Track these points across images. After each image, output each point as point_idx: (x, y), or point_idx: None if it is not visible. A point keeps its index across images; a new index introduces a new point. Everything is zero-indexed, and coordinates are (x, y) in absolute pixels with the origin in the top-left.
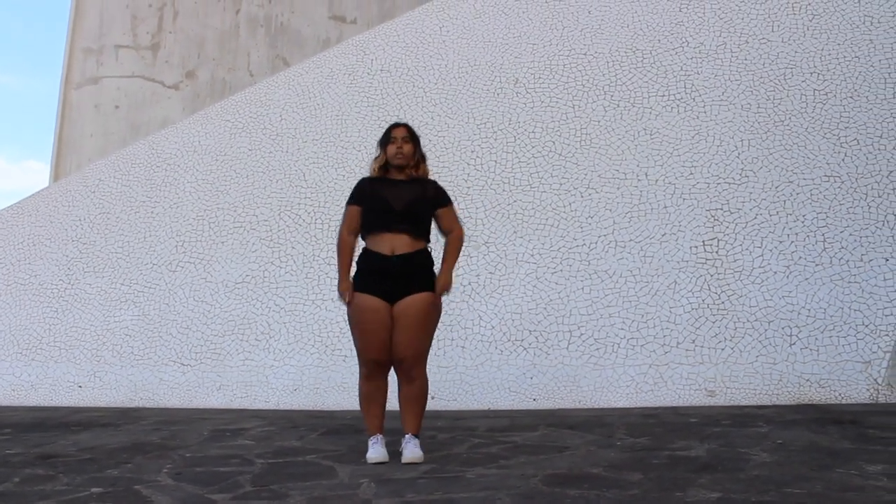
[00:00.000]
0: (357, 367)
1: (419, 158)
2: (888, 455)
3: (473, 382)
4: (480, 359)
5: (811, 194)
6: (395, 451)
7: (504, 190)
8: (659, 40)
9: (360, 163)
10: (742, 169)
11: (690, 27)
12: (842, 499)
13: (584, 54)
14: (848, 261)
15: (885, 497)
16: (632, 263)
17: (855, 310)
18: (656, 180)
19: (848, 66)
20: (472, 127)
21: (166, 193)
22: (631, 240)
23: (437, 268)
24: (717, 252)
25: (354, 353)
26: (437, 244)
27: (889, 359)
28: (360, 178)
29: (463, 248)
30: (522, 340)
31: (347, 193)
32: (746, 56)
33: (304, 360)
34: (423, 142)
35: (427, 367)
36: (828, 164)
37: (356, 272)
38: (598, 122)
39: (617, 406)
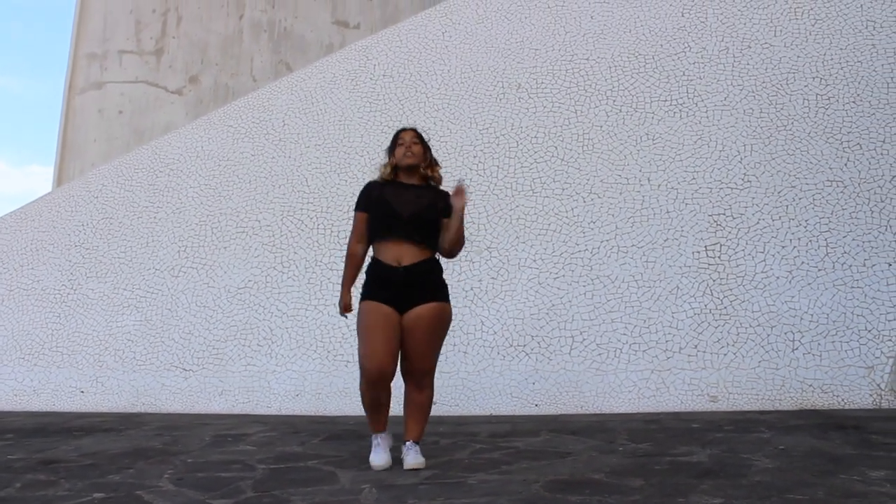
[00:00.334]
0: (354, 371)
1: (431, 161)
2: (891, 461)
3: (475, 388)
4: (482, 364)
5: (814, 199)
6: (396, 456)
7: (506, 195)
8: (661, 45)
9: (363, 168)
10: (744, 174)
11: (693, 32)
12: None
13: (587, 59)
14: (851, 266)
15: (888, 503)
16: (634, 269)
17: (858, 315)
18: (658, 185)
19: (850, 70)
20: (475, 132)
21: (169, 198)
22: (633, 245)
23: (446, 276)
24: (719, 257)
25: (356, 358)
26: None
27: (892, 364)
28: (367, 182)
29: (464, 253)
30: (524, 346)
31: (350, 199)
32: (749, 61)
33: (306, 365)
34: None
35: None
36: (830, 168)
37: (365, 280)
38: (601, 126)
39: (619, 411)
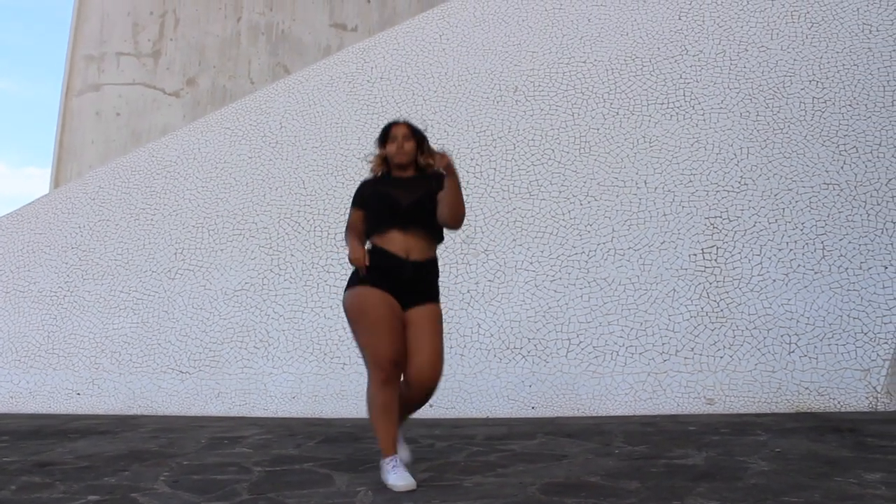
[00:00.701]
0: (351, 374)
1: (426, 151)
2: (887, 463)
3: (472, 390)
4: (479, 367)
5: (810, 202)
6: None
7: (503, 198)
8: (658, 48)
9: (360, 170)
10: (741, 177)
11: (689, 35)
12: None
13: (584, 62)
14: (847, 269)
15: None
16: (631, 271)
17: (854, 318)
18: (655, 188)
19: (847, 73)
20: (472, 135)
21: (166, 201)
22: (630, 248)
23: (441, 277)
24: (715, 260)
25: (353, 360)
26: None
27: (888, 367)
28: (360, 182)
29: (461, 255)
30: (521, 348)
31: (347, 201)
32: (745, 64)
33: (303, 367)
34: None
35: None
36: (827, 171)
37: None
38: (598, 129)
39: (615, 414)
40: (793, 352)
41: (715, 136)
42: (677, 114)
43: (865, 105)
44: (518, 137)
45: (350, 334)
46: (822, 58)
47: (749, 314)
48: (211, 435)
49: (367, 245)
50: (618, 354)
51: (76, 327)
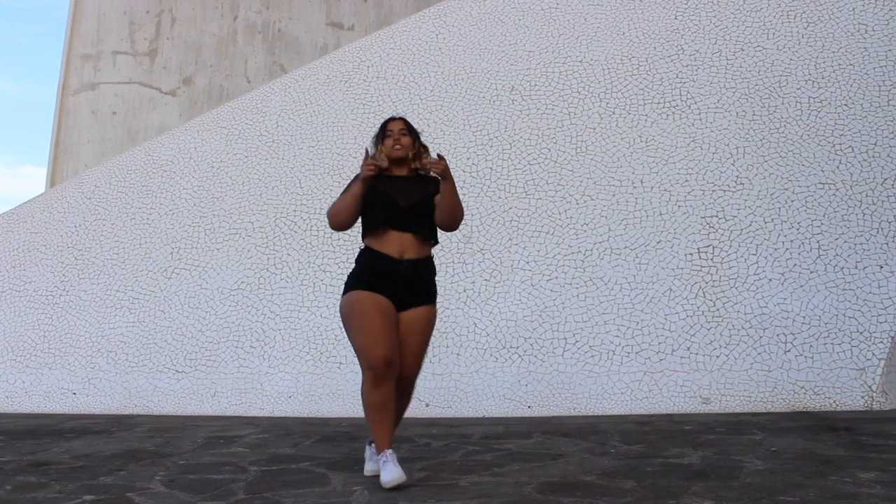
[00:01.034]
0: (347, 374)
1: (420, 149)
2: (882, 462)
3: (468, 390)
4: (475, 366)
5: (806, 202)
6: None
7: (499, 197)
8: (654, 48)
9: (357, 169)
10: (737, 176)
11: (686, 35)
12: None
13: (580, 62)
14: (843, 268)
15: None
16: (627, 271)
17: (850, 317)
18: (652, 187)
19: (842, 73)
20: (468, 134)
21: (162, 200)
22: (626, 247)
23: (437, 277)
24: (712, 259)
25: (349, 359)
26: (439, 249)
27: (884, 366)
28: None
29: (457, 255)
30: (517, 347)
31: None
32: (742, 64)
33: (299, 367)
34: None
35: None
36: (822, 171)
37: (354, 271)
38: (594, 129)
39: (611, 413)
40: (789, 351)
41: (711, 135)
42: (674, 113)
43: (861, 105)
44: (514, 137)
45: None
46: (818, 58)
47: (745, 313)
48: (207, 434)
49: (361, 245)
50: (614, 354)
51: (72, 326)
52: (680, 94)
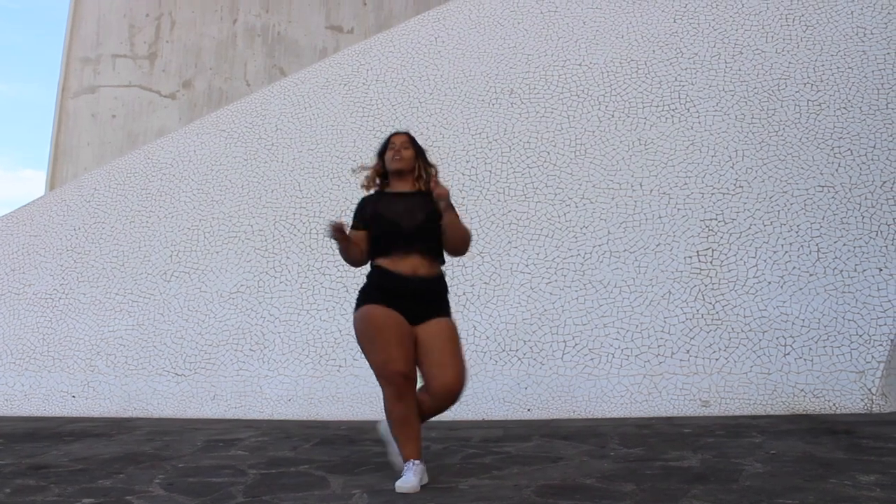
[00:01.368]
0: (347, 377)
1: (425, 167)
2: (881, 465)
3: (467, 392)
4: (474, 369)
5: (805, 204)
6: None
7: (499, 200)
8: (654, 51)
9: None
10: (736, 179)
11: (685, 38)
12: None
13: (579, 65)
14: (842, 271)
15: None
16: (626, 273)
17: (849, 320)
18: (651, 190)
19: (841, 76)
20: (467, 137)
21: (162, 203)
22: (625, 250)
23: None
24: (711, 262)
25: (348, 362)
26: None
27: (883, 369)
28: (361, 199)
29: (457, 258)
30: (517, 350)
31: (342, 203)
32: (741, 67)
33: (299, 370)
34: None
35: None
36: (822, 174)
37: (365, 287)
38: (593, 132)
39: (611, 416)
40: (788, 354)
41: (710, 138)
42: (673, 116)
43: (860, 108)
44: (514, 140)
45: (344, 338)
46: (816, 61)
47: (744, 316)
48: (206, 437)
49: (368, 264)
50: (613, 357)
51: (71, 329)
52: (679, 97)
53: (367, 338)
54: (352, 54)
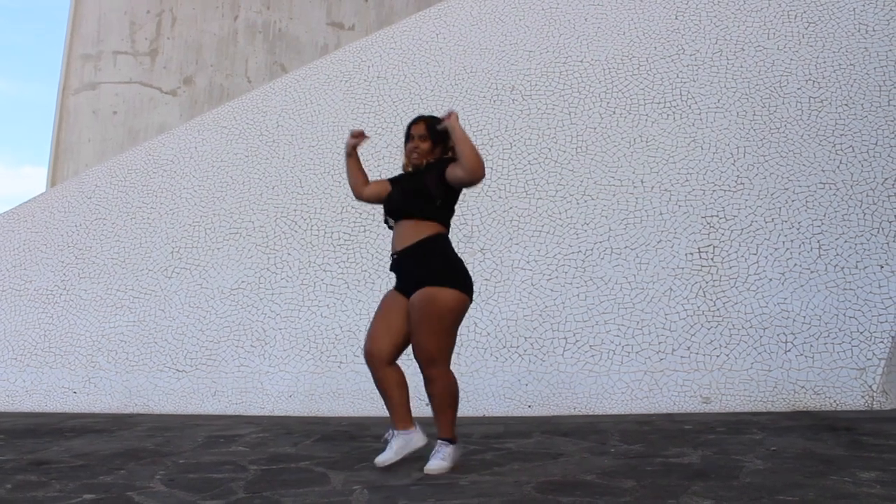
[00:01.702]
0: (347, 373)
1: (442, 148)
2: (882, 462)
3: (468, 389)
4: (475, 365)
5: (806, 201)
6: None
7: (500, 197)
8: (655, 48)
9: None
10: (738, 176)
11: (686, 34)
12: None
13: (581, 61)
14: (843, 268)
15: None
16: (627, 270)
17: (850, 317)
18: (652, 187)
19: (843, 73)
20: (469, 133)
21: (163, 199)
22: (626, 247)
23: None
24: (712, 259)
25: (349, 359)
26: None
27: (884, 365)
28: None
29: (459, 254)
30: (518, 347)
31: (343, 199)
32: (742, 63)
33: (300, 366)
34: None
35: (450, 364)
36: (823, 171)
37: None
38: (595, 129)
39: (612, 413)
40: (789, 351)
41: (712, 135)
42: (674, 113)
43: (862, 105)
44: (515, 136)
45: (345, 334)
46: (818, 57)
47: (745, 313)
48: (207, 433)
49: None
50: (614, 353)
51: (73, 326)
52: (680, 94)
53: None
54: (353, 51)
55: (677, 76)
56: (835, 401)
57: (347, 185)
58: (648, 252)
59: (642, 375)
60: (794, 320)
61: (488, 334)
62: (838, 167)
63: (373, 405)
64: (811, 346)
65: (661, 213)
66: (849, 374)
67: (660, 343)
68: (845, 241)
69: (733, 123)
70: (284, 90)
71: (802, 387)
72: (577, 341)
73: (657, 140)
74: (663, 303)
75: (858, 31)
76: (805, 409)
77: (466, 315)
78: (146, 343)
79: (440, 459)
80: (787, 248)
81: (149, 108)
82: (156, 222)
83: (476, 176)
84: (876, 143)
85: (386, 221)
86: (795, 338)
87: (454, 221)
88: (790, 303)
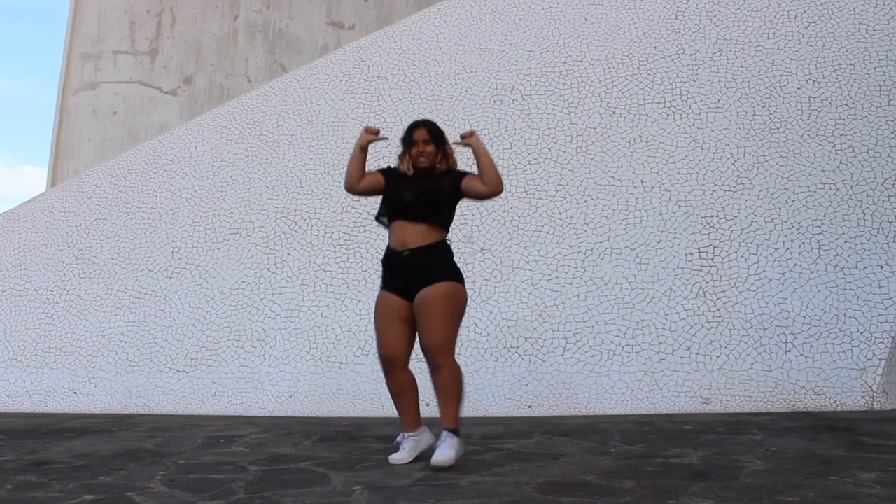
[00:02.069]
0: (348, 373)
1: (445, 153)
2: (882, 462)
3: (468, 389)
4: (476, 365)
5: (806, 201)
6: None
7: (500, 197)
8: (655, 47)
9: None
10: (738, 176)
11: (686, 34)
12: None
13: (581, 61)
14: (843, 268)
15: None
16: (627, 270)
17: (850, 317)
18: (652, 187)
19: (843, 73)
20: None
21: (163, 199)
22: (626, 247)
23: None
24: (712, 259)
25: (349, 359)
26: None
27: (884, 366)
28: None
29: (458, 255)
30: (518, 347)
31: (343, 200)
32: (742, 63)
33: (300, 366)
34: None
35: (455, 356)
36: (823, 171)
37: (383, 268)
38: (595, 128)
39: (612, 413)
40: (789, 351)
41: (712, 135)
42: (674, 113)
43: (862, 105)
44: (515, 136)
45: (345, 334)
46: (818, 57)
47: (745, 313)
48: (207, 434)
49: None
50: (614, 353)
51: (73, 326)
52: (680, 94)
53: (374, 322)
54: (353, 51)
55: (677, 76)
56: (835, 401)
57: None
58: (648, 252)
59: (642, 376)
60: (794, 320)
61: (488, 334)
62: (838, 167)
63: (373, 406)
64: (811, 346)
65: (661, 213)
66: (849, 375)
67: (660, 343)
68: (845, 242)
69: (733, 123)
70: (284, 90)
71: (802, 387)
72: (577, 342)
73: (657, 140)
74: (663, 303)
75: (859, 30)
76: (805, 410)
77: (466, 315)
78: (146, 343)
79: (448, 448)
80: (788, 249)
81: (149, 108)
82: (156, 222)
83: (497, 192)
84: (876, 143)
85: (379, 218)
86: (795, 338)
87: (455, 221)
88: (790, 303)
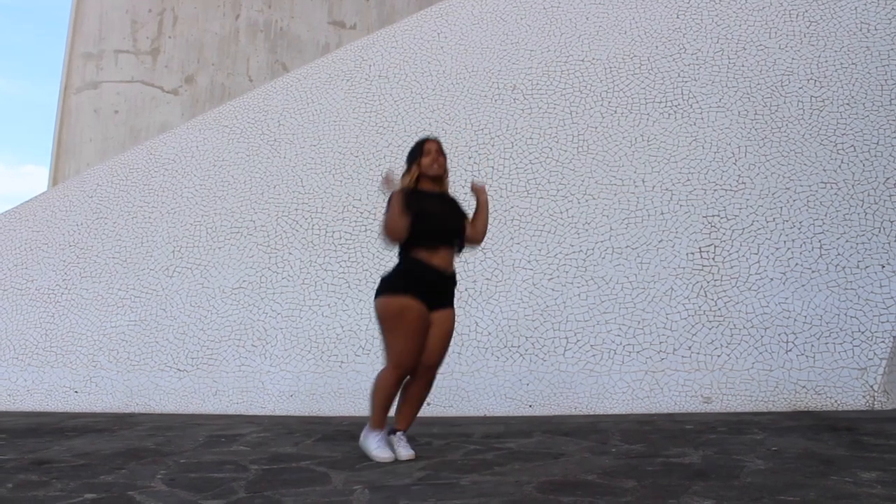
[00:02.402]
0: (348, 372)
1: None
2: (883, 462)
3: (469, 388)
4: (476, 365)
5: (808, 201)
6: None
7: (501, 196)
8: (656, 47)
9: (358, 168)
10: (739, 175)
11: (688, 34)
12: None
13: (582, 61)
14: (844, 267)
15: None
16: (628, 270)
17: (851, 316)
18: (653, 187)
19: (845, 72)
20: (470, 133)
21: (164, 199)
22: (628, 246)
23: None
24: (713, 259)
25: (350, 358)
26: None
27: (885, 365)
28: (401, 190)
29: (460, 254)
30: (519, 346)
31: (345, 199)
32: (744, 63)
33: (301, 365)
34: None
35: None
36: (824, 170)
37: (403, 274)
38: (596, 128)
39: (613, 412)
40: (790, 350)
41: (713, 134)
42: (675, 112)
43: (863, 104)
44: (516, 136)
45: (346, 334)
46: (820, 57)
47: (746, 313)
48: (208, 433)
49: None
50: (615, 353)
51: (74, 325)
52: (682, 93)
53: (397, 326)
54: (354, 50)
55: (679, 75)
56: (836, 401)
57: (348, 185)
58: (649, 252)
59: (643, 375)
60: (795, 320)
61: (489, 334)
62: (840, 167)
63: None
64: (812, 345)
65: (662, 213)
66: (850, 374)
67: (661, 343)
68: (846, 241)
69: (735, 123)
70: (286, 89)
71: (803, 387)
72: (578, 341)
73: (658, 139)
74: (664, 302)
75: (860, 30)
76: (806, 409)
77: (467, 315)
78: (147, 342)
79: (409, 447)
80: (789, 248)
81: (150, 107)
82: (157, 221)
83: (479, 243)
84: (877, 143)
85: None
86: (796, 337)
87: None
88: (791, 302)
